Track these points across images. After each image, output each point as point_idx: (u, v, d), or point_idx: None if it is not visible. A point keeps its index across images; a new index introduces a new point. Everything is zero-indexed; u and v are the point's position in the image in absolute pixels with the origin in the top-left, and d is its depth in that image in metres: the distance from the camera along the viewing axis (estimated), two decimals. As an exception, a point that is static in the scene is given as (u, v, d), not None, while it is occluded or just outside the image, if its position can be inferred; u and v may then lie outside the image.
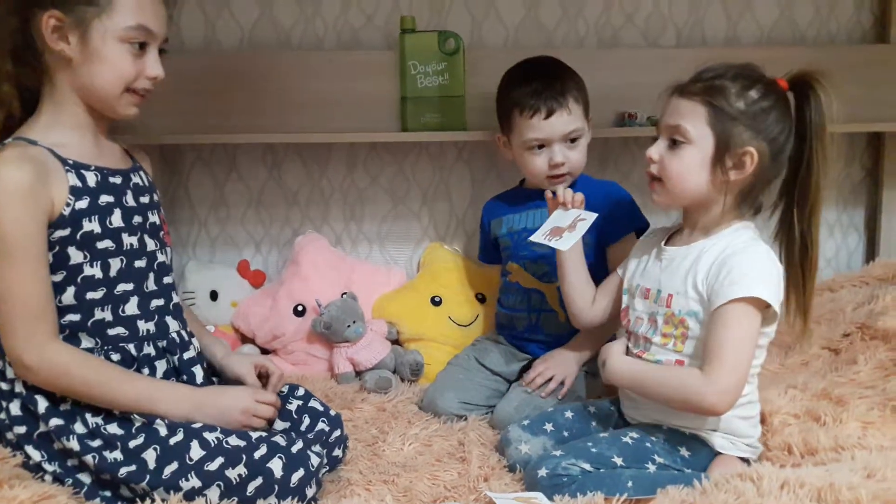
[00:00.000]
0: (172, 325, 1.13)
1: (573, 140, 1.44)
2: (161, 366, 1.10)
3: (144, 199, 1.13)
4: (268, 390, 1.17)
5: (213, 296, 1.76)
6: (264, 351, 1.71)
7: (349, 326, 1.61)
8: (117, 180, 1.09)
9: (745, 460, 1.12)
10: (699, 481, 1.00)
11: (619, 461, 1.07)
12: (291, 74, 1.72)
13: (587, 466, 1.06)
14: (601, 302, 1.30)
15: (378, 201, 1.88)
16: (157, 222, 1.15)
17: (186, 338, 1.15)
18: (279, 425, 1.17)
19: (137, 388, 1.04)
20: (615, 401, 1.25)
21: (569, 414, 1.23)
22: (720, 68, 1.10)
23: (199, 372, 1.15)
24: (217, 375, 1.22)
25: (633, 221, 1.47)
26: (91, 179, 1.05)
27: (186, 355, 1.14)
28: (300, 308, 1.69)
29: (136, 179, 1.13)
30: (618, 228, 1.45)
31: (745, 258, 1.06)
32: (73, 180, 1.03)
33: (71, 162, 1.04)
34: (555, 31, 1.83)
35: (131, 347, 1.07)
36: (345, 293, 1.70)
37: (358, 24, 1.80)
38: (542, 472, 1.06)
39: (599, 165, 1.84)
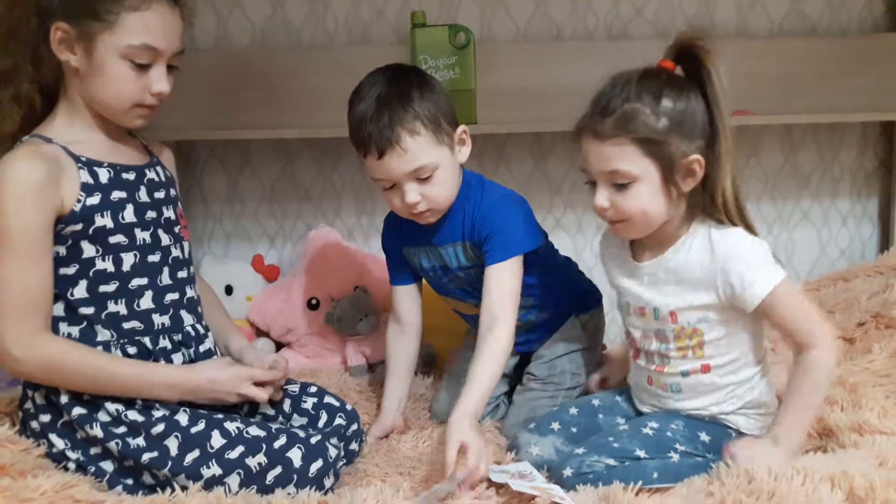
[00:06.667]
0: (187, 318, 1.14)
1: (425, 178, 1.16)
2: (177, 359, 1.11)
3: (159, 195, 1.14)
4: (266, 368, 1.14)
5: (229, 290, 1.78)
6: (279, 344, 1.72)
7: (361, 320, 1.62)
8: (130, 176, 1.11)
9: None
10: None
11: (641, 453, 1.06)
12: (303, 71, 1.74)
13: (611, 461, 1.05)
14: None
15: (390, 196, 1.89)
16: (173, 217, 1.15)
17: (202, 331, 1.16)
18: (297, 421, 1.18)
19: (128, 375, 1.04)
20: (620, 391, 1.25)
21: (573, 410, 1.21)
22: (614, 90, 1.04)
23: None
24: None
25: (512, 248, 1.20)
26: (103, 176, 1.07)
27: (202, 348, 1.15)
28: (314, 302, 1.70)
29: (151, 175, 1.14)
30: (496, 255, 1.20)
31: (742, 254, 1.03)
32: (85, 177, 1.04)
33: (84, 159, 1.06)
34: (564, 24, 1.83)
35: (147, 341, 1.08)
36: (357, 287, 1.71)
37: (368, 19, 1.81)
38: (567, 471, 1.05)
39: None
